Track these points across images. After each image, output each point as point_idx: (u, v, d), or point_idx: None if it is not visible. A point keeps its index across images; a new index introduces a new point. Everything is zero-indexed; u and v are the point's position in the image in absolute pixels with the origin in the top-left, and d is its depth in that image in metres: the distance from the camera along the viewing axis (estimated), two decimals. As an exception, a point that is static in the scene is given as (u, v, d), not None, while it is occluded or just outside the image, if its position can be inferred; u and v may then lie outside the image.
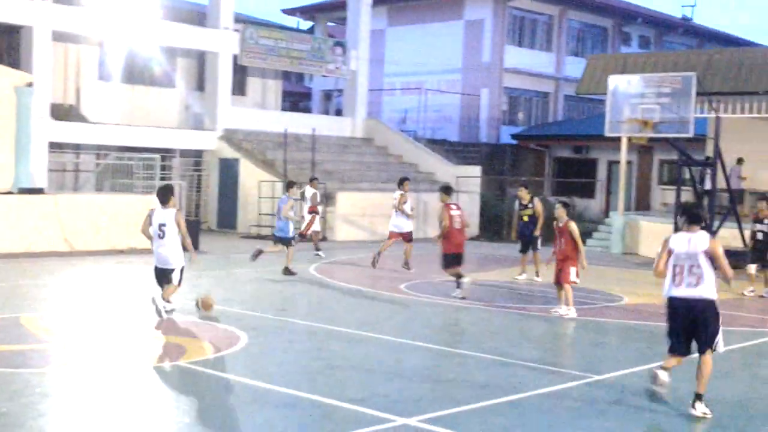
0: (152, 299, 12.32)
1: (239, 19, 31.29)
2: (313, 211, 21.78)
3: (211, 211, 29.46)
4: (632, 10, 45.48)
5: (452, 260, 15.66)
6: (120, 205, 21.52)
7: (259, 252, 18.19)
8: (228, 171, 28.98)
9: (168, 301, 12.34)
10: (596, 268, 19.53)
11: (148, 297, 12.56)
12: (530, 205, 18.69)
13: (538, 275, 18.35)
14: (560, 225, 14.13)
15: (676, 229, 21.76)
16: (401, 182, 19.81)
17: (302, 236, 21.27)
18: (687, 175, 23.49)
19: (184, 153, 29.16)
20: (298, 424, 7.82)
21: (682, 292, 8.42)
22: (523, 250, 18.71)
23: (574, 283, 14.00)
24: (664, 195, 29.63)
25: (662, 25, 46.89)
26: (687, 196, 23.21)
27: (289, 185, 18.81)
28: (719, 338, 8.40)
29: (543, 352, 11.32)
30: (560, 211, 14.19)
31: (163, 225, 12.20)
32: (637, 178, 34.89)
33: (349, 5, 34.04)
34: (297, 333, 12.04)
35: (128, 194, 23.69)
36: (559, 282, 14.02)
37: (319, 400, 8.45)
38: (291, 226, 18.00)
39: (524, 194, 18.85)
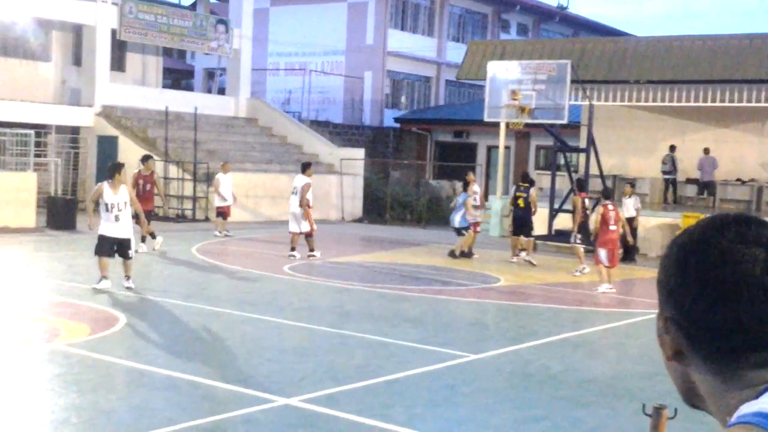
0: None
1: (118, -8, 30.40)
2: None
3: (90, 190, 28.54)
4: (511, -2, 46.44)
5: None
6: (-9, 183, 20.72)
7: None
8: (107, 148, 28.21)
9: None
10: (476, 251, 19.98)
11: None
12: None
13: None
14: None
15: (552, 213, 22.64)
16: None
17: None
18: (562, 161, 24.17)
19: (61, 129, 28.21)
20: (177, 405, 7.76)
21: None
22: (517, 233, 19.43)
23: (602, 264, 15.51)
24: (540, 179, 30.37)
25: (539, 13, 48.06)
26: (562, 180, 23.90)
27: (466, 185, 20.00)
28: None
29: (422, 332, 11.55)
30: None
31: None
32: (515, 163, 35.74)
33: (232, -17, 33.56)
34: (177, 314, 11.93)
35: (1, 171, 22.82)
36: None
37: (198, 381, 8.42)
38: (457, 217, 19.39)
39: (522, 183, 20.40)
